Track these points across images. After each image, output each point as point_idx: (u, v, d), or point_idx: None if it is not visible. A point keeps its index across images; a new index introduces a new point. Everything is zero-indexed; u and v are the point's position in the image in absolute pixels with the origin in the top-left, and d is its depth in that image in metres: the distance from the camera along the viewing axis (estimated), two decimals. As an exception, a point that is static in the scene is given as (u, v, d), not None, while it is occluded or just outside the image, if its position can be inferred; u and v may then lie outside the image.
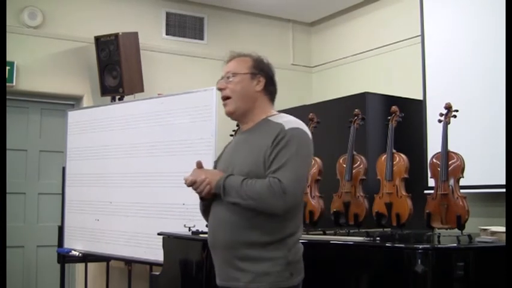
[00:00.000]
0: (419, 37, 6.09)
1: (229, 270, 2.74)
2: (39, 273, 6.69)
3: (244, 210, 2.67)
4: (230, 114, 2.95)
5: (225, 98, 2.92)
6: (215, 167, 3.00)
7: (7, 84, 6.32)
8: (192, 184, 2.78)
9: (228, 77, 2.93)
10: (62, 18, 6.80)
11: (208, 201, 2.86)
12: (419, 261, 3.50)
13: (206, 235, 4.49)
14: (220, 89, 2.95)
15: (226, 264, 2.76)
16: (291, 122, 2.81)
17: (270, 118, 2.89)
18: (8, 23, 6.33)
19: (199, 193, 2.79)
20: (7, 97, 6.41)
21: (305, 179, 2.80)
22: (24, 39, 6.55)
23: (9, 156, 6.50)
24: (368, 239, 3.92)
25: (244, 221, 2.68)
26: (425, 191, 4.87)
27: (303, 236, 4.35)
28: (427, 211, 4.04)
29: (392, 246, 3.74)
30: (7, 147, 6.46)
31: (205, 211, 2.92)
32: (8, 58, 6.29)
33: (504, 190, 4.66)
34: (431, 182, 4.38)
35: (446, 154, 4.05)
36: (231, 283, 2.74)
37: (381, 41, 7.17)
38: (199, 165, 2.85)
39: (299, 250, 2.82)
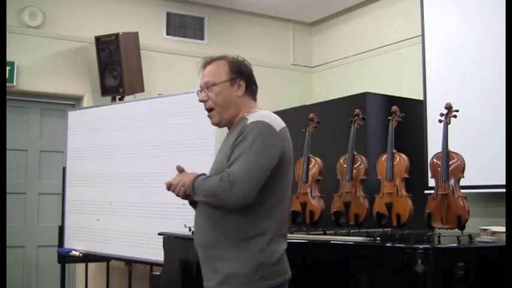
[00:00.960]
0: (420, 37, 6.09)
1: (206, 270, 2.78)
2: (39, 273, 6.70)
3: (214, 210, 2.71)
4: (217, 125, 2.95)
5: (209, 110, 2.91)
6: None
7: (7, 84, 6.32)
8: (169, 187, 2.85)
9: (207, 88, 2.89)
10: (63, 18, 6.81)
11: (195, 204, 2.90)
12: (419, 261, 3.50)
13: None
14: (202, 101, 2.92)
15: (204, 264, 2.81)
16: (257, 116, 2.79)
17: (246, 116, 2.86)
18: (8, 23, 6.34)
19: (176, 195, 2.84)
20: (7, 97, 6.45)
21: (258, 171, 2.65)
22: (24, 39, 6.56)
23: (10, 156, 6.52)
24: (368, 239, 3.92)
25: (215, 221, 2.71)
26: (426, 191, 4.88)
27: (303, 236, 4.37)
28: (428, 211, 4.03)
29: (392, 246, 3.74)
30: (7, 147, 6.50)
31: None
32: (9, 58, 6.29)
33: (505, 190, 4.68)
34: (431, 182, 4.38)
35: (446, 154, 4.05)
36: (206, 283, 2.78)
37: (381, 41, 7.17)
38: (180, 169, 2.88)
39: (275, 252, 2.72)
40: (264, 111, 2.88)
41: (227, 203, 2.63)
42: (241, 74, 2.91)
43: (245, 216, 2.66)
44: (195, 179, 2.74)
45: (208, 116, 2.92)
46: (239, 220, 2.67)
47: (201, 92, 2.93)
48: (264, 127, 2.71)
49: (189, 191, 2.76)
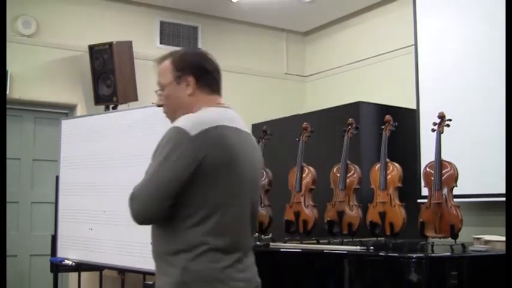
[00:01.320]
0: (413, 47, 6.12)
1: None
2: (32, 282, 6.67)
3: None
4: None
5: (165, 113, 2.70)
6: None
7: None
8: None
9: (158, 92, 2.69)
10: (56, 26, 6.80)
11: None
12: (413, 270, 3.51)
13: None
14: (159, 106, 2.71)
15: None
16: (179, 120, 2.48)
17: None
18: (1, 32, 6.36)
19: None
20: (0, 106, 6.44)
21: (162, 182, 2.37)
22: (18, 47, 6.54)
23: (3, 165, 6.51)
24: (362, 248, 3.93)
25: (154, 230, 2.51)
26: (419, 200, 4.88)
27: (297, 245, 4.38)
28: (421, 220, 4.05)
29: (386, 255, 3.75)
30: None
31: None
32: (2, 67, 6.31)
33: (497, 199, 4.70)
34: (424, 191, 4.40)
35: (439, 163, 4.07)
36: None
37: (375, 51, 7.19)
38: None
39: (202, 270, 2.36)
40: (202, 110, 2.56)
41: (133, 219, 2.43)
42: (187, 69, 2.60)
43: (170, 229, 2.40)
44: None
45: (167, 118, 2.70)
46: (165, 233, 2.42)
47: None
48: (173, 134, 2.41)
49: None
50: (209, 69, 2.65)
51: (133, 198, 2.40)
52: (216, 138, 2.41)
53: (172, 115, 2.63)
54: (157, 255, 2.49)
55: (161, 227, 2.44)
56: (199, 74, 2.61)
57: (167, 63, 2.64)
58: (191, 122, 2.42)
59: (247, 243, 2.59)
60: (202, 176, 2.37)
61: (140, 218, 2.42)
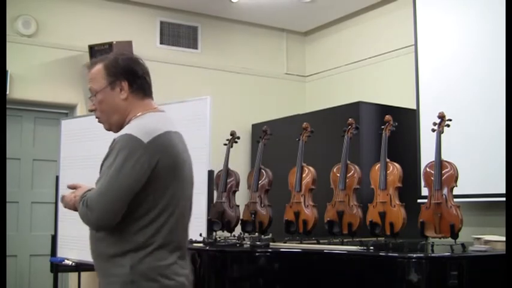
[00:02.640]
0: (413, 46, 6.12)
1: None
2: (32, 282, 6.66)
3: None
4: (110, 131, 2.70)
5: (97, 118, 2.69)
6: None
7: None
8: (62, 200, 2.68)
9: (91, 97, 2.66)
10: (56, 26, 6.80)
11: None
12: (413, 270, 3.51)
13: (200, 244, 4.51)
14: (91, 111, 2.70)
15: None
16: (130, 126, 2.53)
17: (131, 121, 2.62)
18: (1, 32, 6.36)
19: (70, 209, 2.64)
20: None
21: (119, 190, 2.41)
22: (18, 47, 6.54)
23: (3, 165, 6.51)
24: (362, 248, 3.93)
25: (94, 234, 2.55)
26: (419, 200, 4.88)
27: (297, 245, 4.38)
28: (421, 220, 4.05)
29: (386, 255, 3.75)
30: None
31: None
32: (2, 67, 6.31)
33: (497, 199, 4.69)
34: (424, 191, 4.40)
35: (439, 163, 4.07)
36: None
37: (375, 51, 7.19)
38: (72, 186, 2.69)
39: (152, 269, 2.44)
40: (145, 116, 2.62)
41: (90, 227, 2.50)
42: (120, 74, 2.61)
43: (117, 232, 2.45)
44: (84, 193, 2.53)
45: (100, 122, 2.71)
46: (111, 235, 2.47)
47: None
48: (127, 142, 2.44)
49: (77, 205, 2.54)
50: (140, 74, 2.67)
51: (92, 208, 2.41)
52: (166, 145, 2.51)
53: (107, 120, 2.67)
54: (100, 256, 2.54)
55: (113, 230, 2.47)
56: (132, 78, 2.64)
57: (99, 68, 2.64)
58: (142, 129, 2.48)
59: (187, 240, 2.71)
60: (154, 181, 2.46)
61: (99, 227, 2.47)
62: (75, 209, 2.59)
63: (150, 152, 2.44)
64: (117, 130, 2.65)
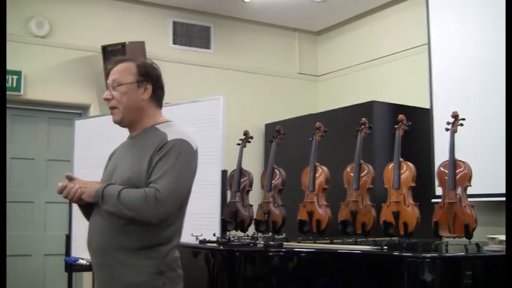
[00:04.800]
0: (426, 45, 6.10)
1: (104, 277, 2.69)
2: (46, 282, 6.70)
3: (116, 217, 2.62)
4: (118, 124, 2.86)
5: (112, 108, 2.82)
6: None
7: (15, 93, 6.36)
8: (62, 190, 2.72)
9: (113, 87, 2.79)
10: (69, 27, 6.83)
11: (84, 207, 2.82)
12: (427, 270, 3.50)
13: (214, 244, 4.52)
14: (106, 99, 2.82)
15: (100, 269, 2.72)
16: (175, 132, 2.74)
17: (157, 126, 2.81)
18: (15, 33, 6.41)
19: (69, 198, 2.71)
20: (15, 106, 6.49)
21: (183, 189, 2.69)
22: (31, 48, 6.58)
23: (17, 164, 6.56)
24: (375, 248, 3.92)
25: (116, 227, 2.63)
26: (433, 200, 4.86)
27: (310, 244, 4.38)
28: (435, 220, 4.04)
29: (399, 255, 3.74)
30: (15, 156, 6.52)
31: (86, 216, 2.85)
32: (16, 67, 6.35)
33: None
34: (438, 191, 4.38)
35: (453, 162, 4.06)
36: None
37: (388, 50, 7.18)
38: (70, 177, 2.77)
39: (175, 259, 2.73)
40: (176, 125, 2.85)
41: (146, 219, 2.57)
42: (149, 77, 2.83)
43: (149, 226, 2.60)
44: (104, 187, 2.66)
45: (111, 113, 2.83)
46: (143, 229, 2.61)
47: (107, 89, 2.85)
48: (186, 147, 2.70)
49: (94, 199, 2.65)
50: (162, 85, 2.91)
51: (163, 201, 2.56)
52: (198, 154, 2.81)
53: (121, 112, 2.81)
54: (124, 249, 2.63)
55: (135, 224, 2.60)
56: (156, 86, 2.86)
57: (131, 64, 2.84)
58: (189, 136, 2.75)
59: None
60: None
61: (163, 219, 2.62)
62: (78, 201, 2.73)
63: (196, 158, 2.78)
64: (124, 125, 2.86)
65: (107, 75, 2.87)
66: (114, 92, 2.78)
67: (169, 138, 2.68)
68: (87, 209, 2.79)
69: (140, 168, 2.66)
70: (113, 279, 2.64)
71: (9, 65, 6.31)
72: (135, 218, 2.57)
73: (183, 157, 2.66)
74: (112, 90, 2.79)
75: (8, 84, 6.30)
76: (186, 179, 2.70)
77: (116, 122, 2.84)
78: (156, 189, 2.55)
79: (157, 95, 2.87)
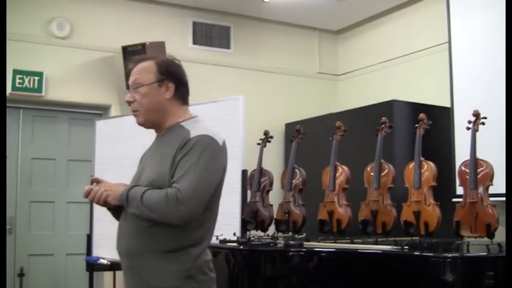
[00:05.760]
0: (446, 44, 6.06)
1: (132, 280, 2.64)
2: (68, 281, 6.74)
3: (142, 219, 2.55)
4: (141, 126, 2.79)
5: (134, 110, 2.74)
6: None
7: (36, 94, 6.45)
8: (88, 194, 2.68)
9: (134, 88, 2.72)
10: (90, 28, 6.87)
11: (113, 210, 2.76)
12: (448, 270, 3.48)
13: (233, 244, 4.52)
14: (128, 102, 2.75)
15: (129, 273, 2.66)
16: (198, 128, 2.64)
17: (182, 123, 2.72)
18: (36, 34, 6.49)
19: (95, 202, 2.67)
20: (36, 107, 6.57)
21: (207, 187, 2.56)
22: (52, 49, 6.62)
23: (38, 165, 6.62)
24: (396, 247, 3.91)
25: (142, 230, 2.56)
26: (454, 199, 4.83)
27: (331, 244, 4.37)
28: (456, 219, 4.01)
29: (420, 255, 3.72)
30: (36, 156, 6.59)
31: (117, 218, 2.79)
32: (37, 68, 6.43)
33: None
34: (459, 190, 4.36)
35: (474, 162, 4.03)
36: None
37: (408, 48, 7.14)
38: (95, 180, 2.73)
39: (206, 262, 2.63)
40: (201, 121, 2.77)
41: (169, 220, 2.48)
42: (170, 75, 2.73)
43: (178, 228, 2.52)
44: (129, 190, 2.60)
45: (134, 115, 2.76)
46: (171, 230, 2.53)
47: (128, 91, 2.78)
48: (210, 142, 2.59)
49: (120, 202, 2.60)
50: (185, 81, 2.81)
51: (184, 201, 2.46)
52: (226, 150, 2.71)
53: (143, 114, 2.73)
54: (153, 252, 2.56)
55: (162, 226, 2.52)
56: (179, 83, 2.76)
57: (151, 63, 2.74)
58: (212, 132, 2.64)
59: None
60: (219, 182, 2.66)
61: (187, 220, 2.51)
62: (104, 204, 2.67)
63: (223, 154, 2.66)
64: (148, 127, 2.78)
65: (127, 75, 2.79)
66: (135, 94, 2.70)
67: (193, 134, 2.59)
68: (117, 211, 2.73)
69: (164, 169, 2.58)
70: (141, 283, 2.57)
71: (31, 66, 6.40)
72: (159, 220, 2.49)
73: (207, 154, 2.54)
74: (133, 92, 2.72)
75: (30, 86, 6.37)
76: (211, 177, 2.57)
77: (139, 124, 2.77)
78: (178, 189, 2.46)
79: (181, 92, 2.78)
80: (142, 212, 2.52)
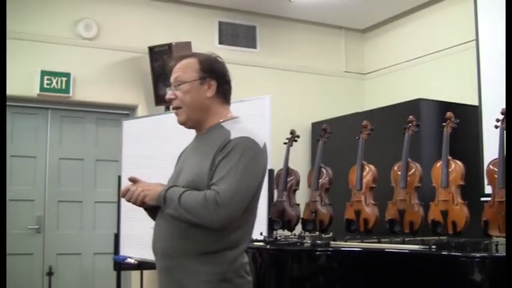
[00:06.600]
0: (474, 42, 6.01)
1: (167, 282, 2.61)
2: (96, 280, 6.79)
3: (179, 220, 2.52)
4: (182, 124, 2.74)
5: (176, 108, 2.71)
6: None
7: (64, 95, 6.52)
8: (125, 194, 2.70)
9: (176, 85, 2.69)
10: (117, 29, 6.91)
11: (150, 211, 2.76)
12: (476, 270, 3.45)
13: (260, 243, 4.52)
14: (169, 100, 2.73)
15: (164, 274, 2.63)
16: (239, 129, 2.60)
17: (222, 124, 2.68)
18: (63, 35, 6.57)
19: (132, 202, 2.68)
20: (64, 107, 6.64)
21: (247, 191, 2.51)
22: (80, 50, 6.68)
23: (66, 165, 6.70)
24: (424, 247, 3.88)
25: (179, 231, 2.53)
26: (482, 198, 4.79)
27: (357, 244, 4.35)
28: (484, 219, 3.98)
29: (448, 254, 3.70)
30: (64, 156, 6.65)
31: (153, 218, 2.78)
32: (64, 69, 6.50)
33: None
34: (488, 189, 4.32)
35: (503, 160, 3.99)
36: None
37: (435, 46, 7.09)
38: (133, 179, 2.75)
39: (242, 266, 2.58)
40: (242, 122, 2.73)
41: (207, 223, 2.44)
42: (213, 73, 2.70)
43: (213, 230, 2.48)
44: (166, 190, 2.57)
45: (175, 114, 2.73)
46: (208, 232, 2.48)
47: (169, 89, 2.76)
48: (250, 145, 2.54)
49: (157, 202, 2.59)
50: (228, 79, 2.78)
51: (223, 204, 2.42)
52: (266, 152, 2.65)
53: (185, 112, 2.70)
54: (188, 254, 2.53)
55: (199, 228, 2.48)
56: (221, 82, 2.73)
57: (193, 61, 2.71)
58: (253, 134, 2.58)
59: None
60: (258, 185, 2.60)
61: (227, 223, 2.47)
62: (141, 205, 2.67)
63: (264, 156, 2.61)
64: (190, 126, 2.74)
65: (169, 72, 2.77)
66: (177, 91, 2.68)
67: (233, 136, 2.54)
68: (154, 211, 2.71)
69: (203, 169, 2.55)
70: (176, 285, 2.54)
71: (58, 67, 6.47)
72: (197, 222, 2.46)
73: (246, 156, 2.50)
74: (175, 89, 2.70)
75: (57, 86, 6.43)
76: (250, 180, 2.52)
77: (180, 122, 2.73)
78: (217, 192, 2.42)
79: (223, 91, 2.75)
80: (180, 213, 2.49)
